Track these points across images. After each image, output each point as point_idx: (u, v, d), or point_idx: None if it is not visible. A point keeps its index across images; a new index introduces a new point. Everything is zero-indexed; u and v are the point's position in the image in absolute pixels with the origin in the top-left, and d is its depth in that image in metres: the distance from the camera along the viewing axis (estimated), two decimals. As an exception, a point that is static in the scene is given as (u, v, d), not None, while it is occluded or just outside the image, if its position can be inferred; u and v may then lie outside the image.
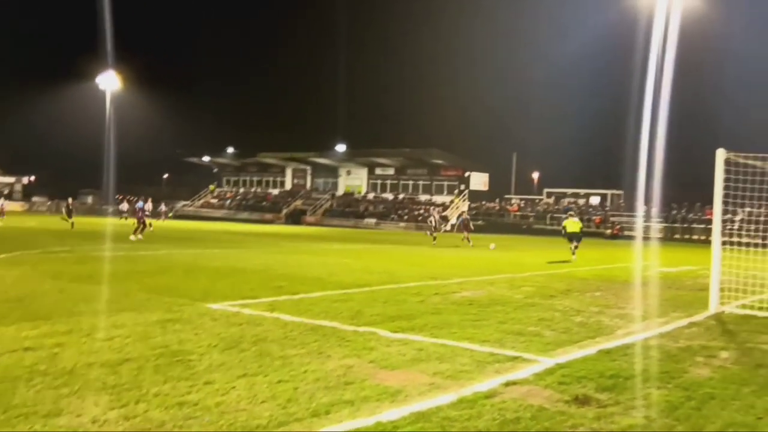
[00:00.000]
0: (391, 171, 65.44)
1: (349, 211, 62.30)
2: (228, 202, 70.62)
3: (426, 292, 11.08)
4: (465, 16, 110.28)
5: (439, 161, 60.95)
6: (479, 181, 61.87)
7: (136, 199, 37.87)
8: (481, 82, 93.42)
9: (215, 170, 77.24)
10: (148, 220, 26.77)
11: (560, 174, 68.61)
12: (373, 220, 58.24)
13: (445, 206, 55.81)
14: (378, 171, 66.25)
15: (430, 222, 31.78)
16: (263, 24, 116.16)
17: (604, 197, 59.14)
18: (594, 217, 51.74)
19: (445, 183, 61.76)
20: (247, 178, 75.01)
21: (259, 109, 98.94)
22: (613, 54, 62.87)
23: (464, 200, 58.90)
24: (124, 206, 47.33)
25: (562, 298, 11.01)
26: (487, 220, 53.38)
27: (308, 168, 69.61)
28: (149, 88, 75.93)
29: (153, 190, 68.26)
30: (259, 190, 72.76)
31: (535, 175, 78.85)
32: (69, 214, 34.49)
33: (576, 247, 20.67)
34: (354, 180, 67.55)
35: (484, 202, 60.35)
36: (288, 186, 71.26)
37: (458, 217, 37.64)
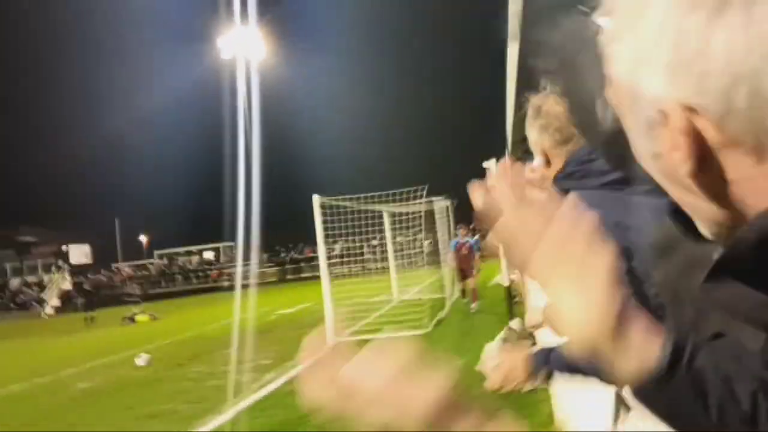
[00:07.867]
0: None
1: None
2: None
3: (31, 395, 9.35)
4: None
5: (30, 238, 53.74)
6: (81, 253, 56.37)
7: None
8: (70, 146, 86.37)
9: None
10: None
11: (171, 234, 67.23)
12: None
13: (41, 287, 49.26)
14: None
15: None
16: None
17: (217, 251, 59.36)
18: (210, 273, 52.41)
19: (39, 262, 54.58)
20: None
21: None
22: (205, 108, 64.53)
23: (65, 277, 52.85)
24: None
25: (192, 364, 10.54)
26: (97, 294, 48.97)
27: None
28: None
29: None
30: None
31: (144, 238, 75.43)
32: None
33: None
34: None
35: (90, 276, 55.19)
36: None
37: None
